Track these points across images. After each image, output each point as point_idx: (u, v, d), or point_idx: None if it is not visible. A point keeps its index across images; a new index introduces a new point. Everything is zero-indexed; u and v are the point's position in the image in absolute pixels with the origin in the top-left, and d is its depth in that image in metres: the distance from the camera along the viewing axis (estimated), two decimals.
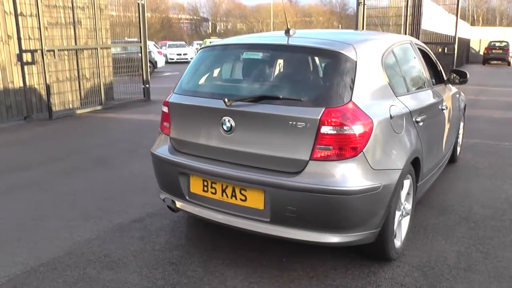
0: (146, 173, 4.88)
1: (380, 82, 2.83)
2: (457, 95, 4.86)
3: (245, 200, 2.65)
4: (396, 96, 2.96)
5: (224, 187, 2.71)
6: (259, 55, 2.92)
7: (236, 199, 2.68)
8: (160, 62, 19.39)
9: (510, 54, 25.32)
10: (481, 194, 4.30)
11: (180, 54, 28.05)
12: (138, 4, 9.41)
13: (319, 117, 2.45)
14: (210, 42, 21.02)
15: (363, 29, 11.82)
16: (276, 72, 2.93)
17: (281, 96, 2.57)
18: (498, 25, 48.38)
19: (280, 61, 2.94)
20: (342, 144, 2.46)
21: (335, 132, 2.45)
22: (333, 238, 2.57)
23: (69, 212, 3.84)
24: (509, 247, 3.25)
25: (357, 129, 2.47)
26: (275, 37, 3.04)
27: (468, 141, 6.29)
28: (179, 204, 2.98)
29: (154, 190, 4.37)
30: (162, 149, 3.07)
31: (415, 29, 11.61)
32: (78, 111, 8.63)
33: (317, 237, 2.56)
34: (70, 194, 4.30)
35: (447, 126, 4.18)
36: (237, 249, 3.13)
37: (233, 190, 2.68)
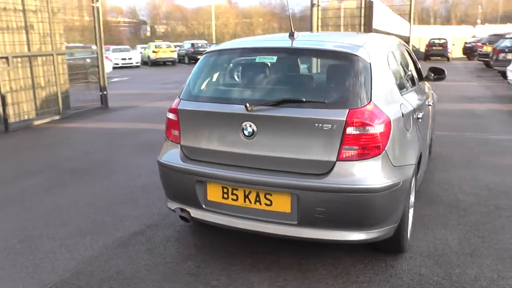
0: (130, 184, 4.71)
1: (390, 81, 2.92)
2: (431, 91, 5.11)
3: (270, 205, 2.63)
4: (401, 95, 3.06)
5: (247, 193, 2.68)
6: (273, 58, 2.90)
7: (260, 204, 2.65)
8: (108, 68, 18.71)
9: (449, 51, 26.94)
10: (461, 183, 4.55)
11: (125, 59, 27.24)
12: (93, 7, 9.02)
13: (344, 119, 2.49)
14: (155, 46, 20.54)
15: (317, 30, 12.08)
16: (294, 75, 2.93)
17: (304, 99, 2.58)
18: (432, 23, 51.31)
19: (296, 64, 2.95)
20: (366, 143, 2.52)
21: (359, 132, 2.50)
22: (360, 236, 2.62)
23: (60, 230, 3.62)
24: (501, 230, 3.46)
25: (379, 128, 2.54)
26: (283, 40, 3.04)
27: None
28: (194, 213, 2.91)
29: (144, 201, 4.24)
30: (172, 158, 2.98)
31: (367, 29, 12.01)
32: (36, 122, 8.13)
33: (344, 236, 2.61)
34: (56, 210, 4.05)
35: (430, 120, 4.39)
36: (252, 254, 3.10)
37: (257, 195, 2.65)
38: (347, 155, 2.52)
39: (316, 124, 2.51)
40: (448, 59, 26.78)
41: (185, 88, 3.08)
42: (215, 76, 3.12)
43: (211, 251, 3.18)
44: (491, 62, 15.13)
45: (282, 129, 2.61)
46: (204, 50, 26.52)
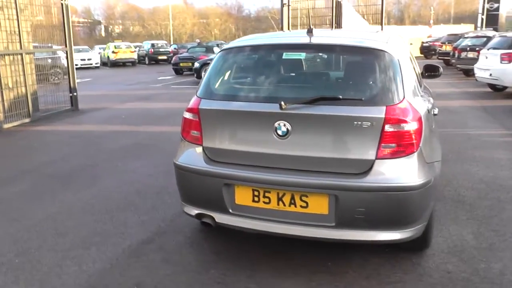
0: (122, 190, 4.46)
1: (413, 78, 2.89)
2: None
3: (306, 207, 2.53)
4: (419, 92, 3.04)
5: (280, 195, 2.56)
6: (302, 55, 2.79)
7: (295, 206, 2.54)
8: None
9: None
10: (458, 178, 4.62)
11: (84, 59, 26.22)
12: (62, 4, 8.56)
13: (383, 116, 2.43)
14: (115, 47, 19.94)
15: (288, 29, 12.07)
16: (323, 72, 2.84)
17: (341, 97, 2.49)
18: (386, 24, 52.77)
19: (325, 61, 2.86)
20: (403, 140, 2.47)
21: (397, 129, 2.45)
22: (396, 235, 2.56)
23: (60, 241, 3.35)
24: (510, 223, 3.52)
25: (413, 125, 2.50)
26: (302, 36, 2.94)
27: None
28: (219, 218, 2.75)
29: (143, 206, 4.01)
30: (193, 160, 2.80)
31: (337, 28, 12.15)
32: (5, 126, 7.60)
33: (382, 236, 2.55)
34: (48, 219, 3.77)
35: None
36: (275, 259, 2.98)
37: (292, 198, 2.54)
38: (385, 153, 2.46)
39: (355, 122, 2.43)
40: None
41: (203, 86, 2.91)
42: (238, 73, 2.97)
43: (231, 257, 3.04)
44: (453, 61, 15.68)
45: (319, 127, 2.52)
46: (165, 51, 25.29)
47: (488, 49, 10.48)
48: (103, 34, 68.35)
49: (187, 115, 2.87)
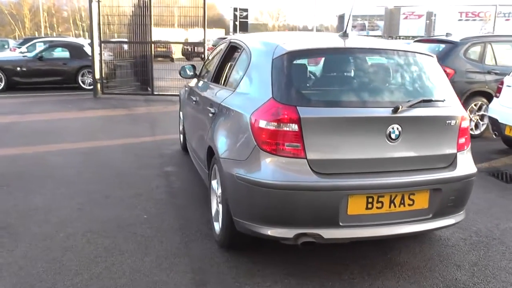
0: (68, 232, 3.43)
1: None
2: None
3: (412, 204, 2.71)
4: None
5: (392, 198, 2.65)
6: (383, 60, 2.92)
7: (404, 206, 2.69)
8: None
9: (173, 51, 29.22)
10: None
11: None
12: None
13: (461, 114, 2.87)
14: None
15: (99, 28, 11.01)
16: (405, 75, 3.02)
17: (434, 99, 2.82)
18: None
19: (395, 65, 3.04)
20: (466, 134, 2.96)
21: (465, 125, 2.93)
22: (461, 216, 3.02)
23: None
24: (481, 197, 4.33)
25: (468, 121, 3.01)
26: (377, 41, 3.13)
27: None
28: (328, 234, 2.59)
29: (127, 247, 3.22)
30: (295, 176, 2.54)
31: (146, 30, 11.82)
32: None
33: (456, 218, 2.96)
34: (22, 269, 2.67)
35: None
36: (329, 263, 2.98)
37: (402, 198, 2.68)
38: (460, 146, 2.90)
39: (448, 121, 2.79)
40: (172, 59, 29.11)
41: (289, 91, 2.65)
42: (327, 77, 2.91)
43: (267, 267, 2.91)
44: None
45: (422, 128, 2.75)
46: None
47: None
48: None
49: (273, 126, 2.56)
